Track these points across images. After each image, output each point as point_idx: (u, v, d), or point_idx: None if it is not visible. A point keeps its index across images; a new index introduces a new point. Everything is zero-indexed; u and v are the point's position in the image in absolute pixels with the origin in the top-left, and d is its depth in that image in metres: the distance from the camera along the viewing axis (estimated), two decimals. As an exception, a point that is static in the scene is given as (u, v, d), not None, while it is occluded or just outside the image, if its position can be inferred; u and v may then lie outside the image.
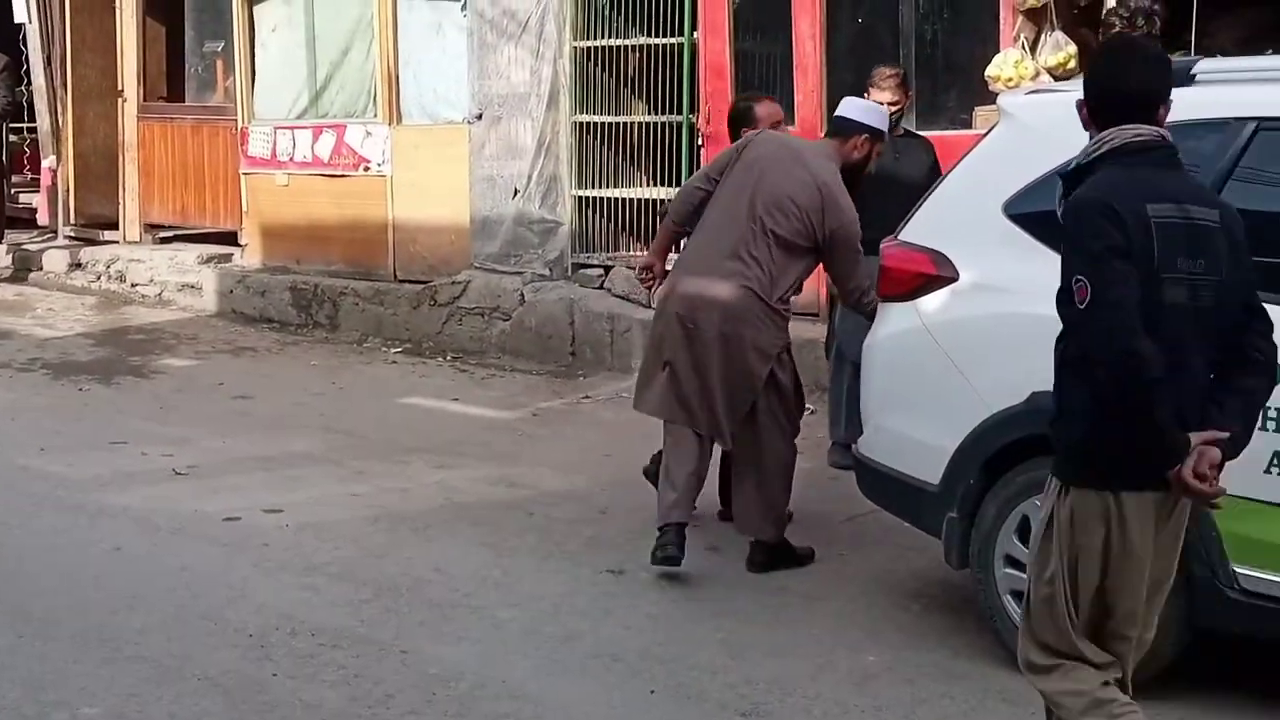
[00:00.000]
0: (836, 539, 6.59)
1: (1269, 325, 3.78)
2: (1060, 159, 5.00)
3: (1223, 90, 4.87)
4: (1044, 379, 4.83)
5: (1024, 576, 4.93)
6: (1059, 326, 3.81)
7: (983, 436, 5.10)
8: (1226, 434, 3.62)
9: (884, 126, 6.35)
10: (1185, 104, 4.81)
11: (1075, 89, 5.11)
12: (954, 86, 9.24)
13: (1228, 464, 3.63)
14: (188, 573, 6.12)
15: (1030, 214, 5.09)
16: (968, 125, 9.13)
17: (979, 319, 5.16)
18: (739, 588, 5.99)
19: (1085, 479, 3.71)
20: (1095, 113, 3.83)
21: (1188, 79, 4.90)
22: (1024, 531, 5.00)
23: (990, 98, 8.18)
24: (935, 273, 5.28)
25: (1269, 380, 3.79)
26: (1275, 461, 4.46)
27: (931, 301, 5.29)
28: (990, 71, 8.47)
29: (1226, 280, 3.67)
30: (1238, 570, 4.57)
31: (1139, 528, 3.66)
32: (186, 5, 14.21)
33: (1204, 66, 4.92)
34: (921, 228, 5.43)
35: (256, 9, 13.19)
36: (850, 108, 6.40)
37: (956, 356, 5.18)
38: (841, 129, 6.31)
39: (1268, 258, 4.62)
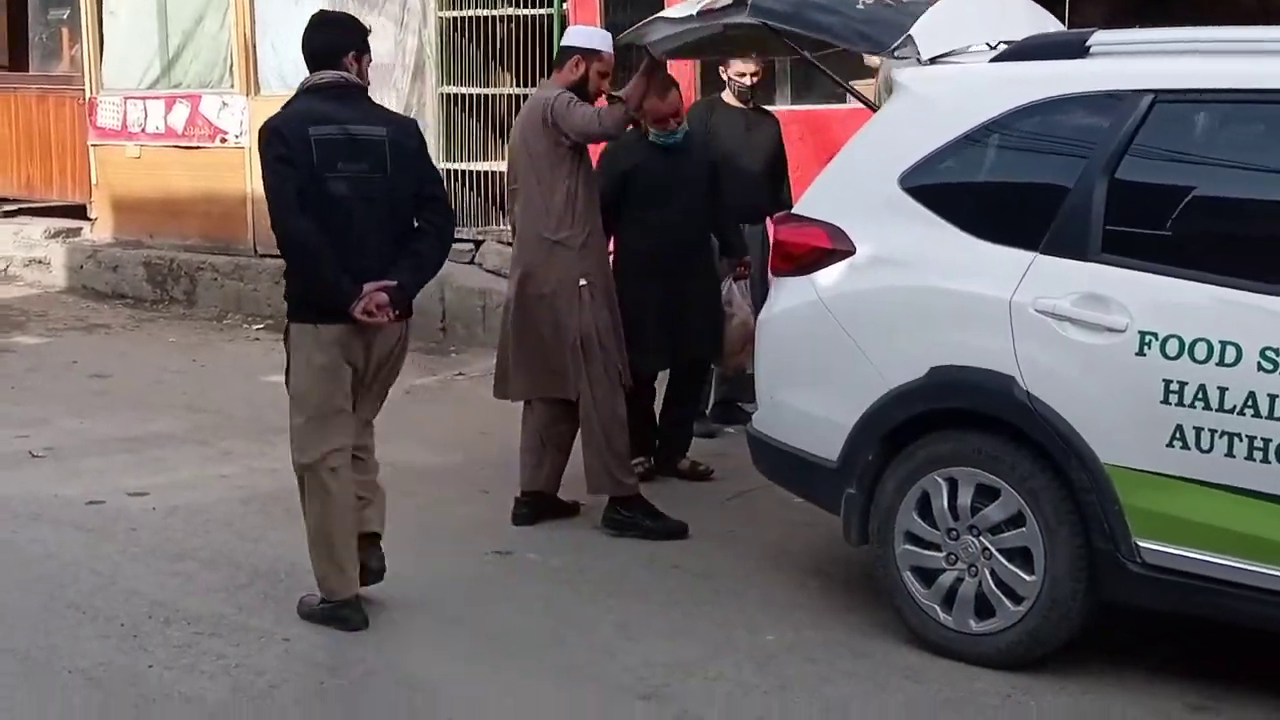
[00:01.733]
0: (727, 516, 6.50)
1: (443, 208, 5.27)
2: (956, 130, 5.00)
3: (1118, 62, 4.82)
4: (943, 353, 4.88)
5: (925, 553, 4.94)
6: (958, 301, 4.68)
7: (881, 411, 5.02)
8: (395, 283, 5.01)
9: (596, 46, 6.25)
10: (1079, 76, 4.84)
11: (970, 60, 5.13)
12: (828, 60, 9.15)
13: (1133, 438, 4.48)
14: (52, 560, 5.85)
15: (927, 186, 5.03)
16: (842, 100, 9.09)
17: (876, 293, 5.08)
18: (630, 567, 5.87)
19: (298, 316, 5.16)
20: (306, 62, 5.22)
21: (1082, 50, 4.87)
22: (924, 507, 4.95)
23: (867, 73, 8.13)
24: (831, 246, 5.17)
25: (437, 243, 5.21)
26: (1178, 435, 4.43)
27: (828, 276, 5.18)
28: (867, 51, 8.41)
29: (392, 176, 5.06)
30: (1140, 544, 4.54)
31: (336, 348, 5.09)
32: (30, -31, 13.71)
33: (1100, 38, 4.86)
34: (816, 201, 5.33)
35: (105, -27, 12.76)
36: (566, 35, 6.53)
37: (854, 331, 5.09)
38: (559, 58, 6.36)
39: (1168, 230, 4.64)
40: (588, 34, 6.49)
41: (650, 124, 6.62)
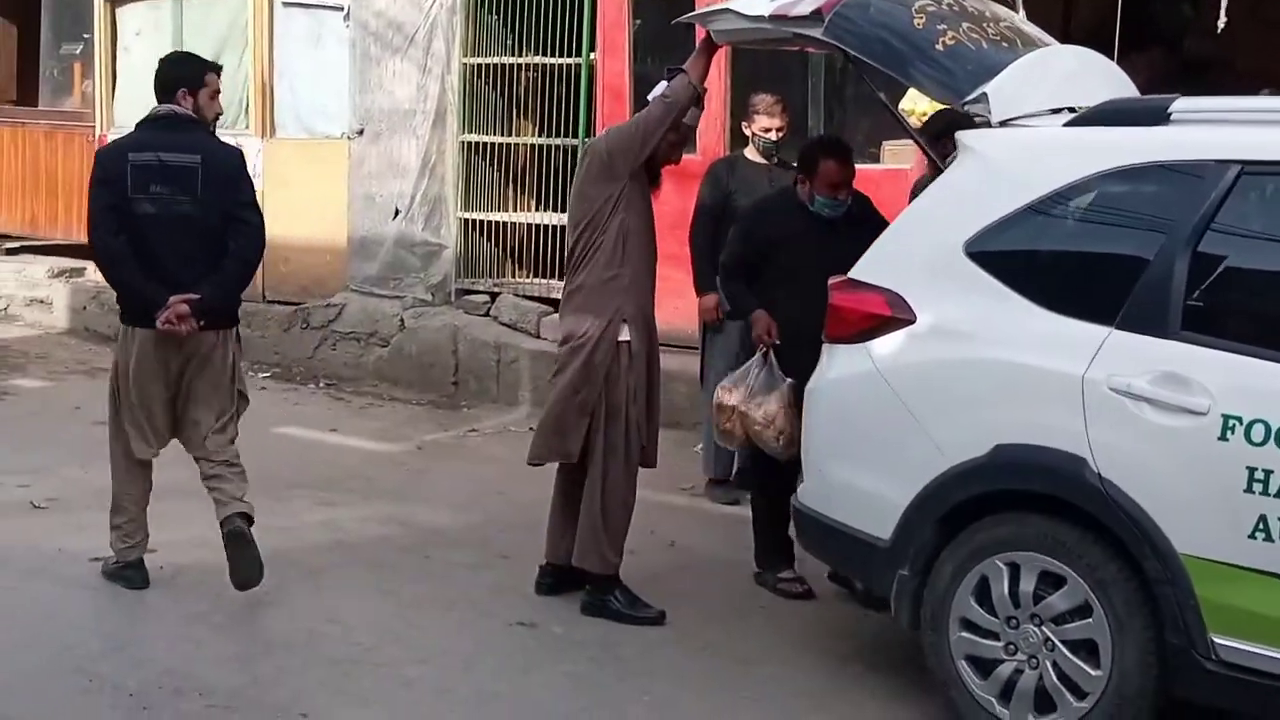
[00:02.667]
0: (756, 592, 6.21)
1: (249, 228, 5.78)
2: (1027, 196, 4.78)
3: (1202, 130, 4.59)
4: (1009, 430, 4.63)
5: (983, 641, 4.68)
6: (1026, 375, 4.57)
7: (940, 490, 4.75)
8: (197, 296, 5.62)
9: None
10: (1160, 144, 4.61)
11: (1043, 124, 4.90)
12: (863, 119, 8.98)
13: (1213, 528, 4.25)
14: (56, 621, 5.57)
15: (994, 254, 4.79)
16: (876, 159, 8.90)
17: (938, 364, 4.83)
18: (661, 646, 5.58)
19: (122, 319, 5.86)
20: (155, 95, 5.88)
21: (1164, 117, 4.65)
22: (983, 593, 4.68)
23: (900, 132, 7.91)
24: (890, 314, 4.93)
25: (241, 264, 5.80)
26: (1261, 526, 4.17)
27: (886, 345, 4.93)
28: (904, 105, 8.14)
29: (202, 199, 5.66)
30: (1217, 640, 4.27)
31: (150, 351, 5.76)
32: (44, 4, 13.53)
33: (1182, 105, 4.64)
34: (875, 266, 5.08)
35: (120, 11, 12.58)
36: (653, 92, 5.88)
37: (912, 404, 4.84)
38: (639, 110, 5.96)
39: (1254, 308, 4.42)
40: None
41: (820, 190, 5.98)
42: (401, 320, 10.47)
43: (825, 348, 5.22)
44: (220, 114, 6.11)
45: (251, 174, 11.22)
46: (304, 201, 11.17)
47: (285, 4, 11.42)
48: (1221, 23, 7.40)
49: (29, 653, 5.24)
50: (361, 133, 10.77)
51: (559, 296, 9.65)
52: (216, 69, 6.07)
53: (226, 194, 5.73)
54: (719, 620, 5.85)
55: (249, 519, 5.79)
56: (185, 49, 11.99)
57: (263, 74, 11.46)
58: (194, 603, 5.81)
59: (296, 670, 5.18)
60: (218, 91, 5.96)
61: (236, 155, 5.88)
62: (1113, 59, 7.37)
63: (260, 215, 5.88)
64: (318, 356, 10.78)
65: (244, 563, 5.72)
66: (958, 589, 4.73)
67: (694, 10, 7.86)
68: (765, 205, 6.44)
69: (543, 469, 6.06)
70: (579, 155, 9.74)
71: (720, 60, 9.08)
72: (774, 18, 5.45)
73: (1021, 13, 7.13)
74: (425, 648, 5.44)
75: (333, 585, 6.08)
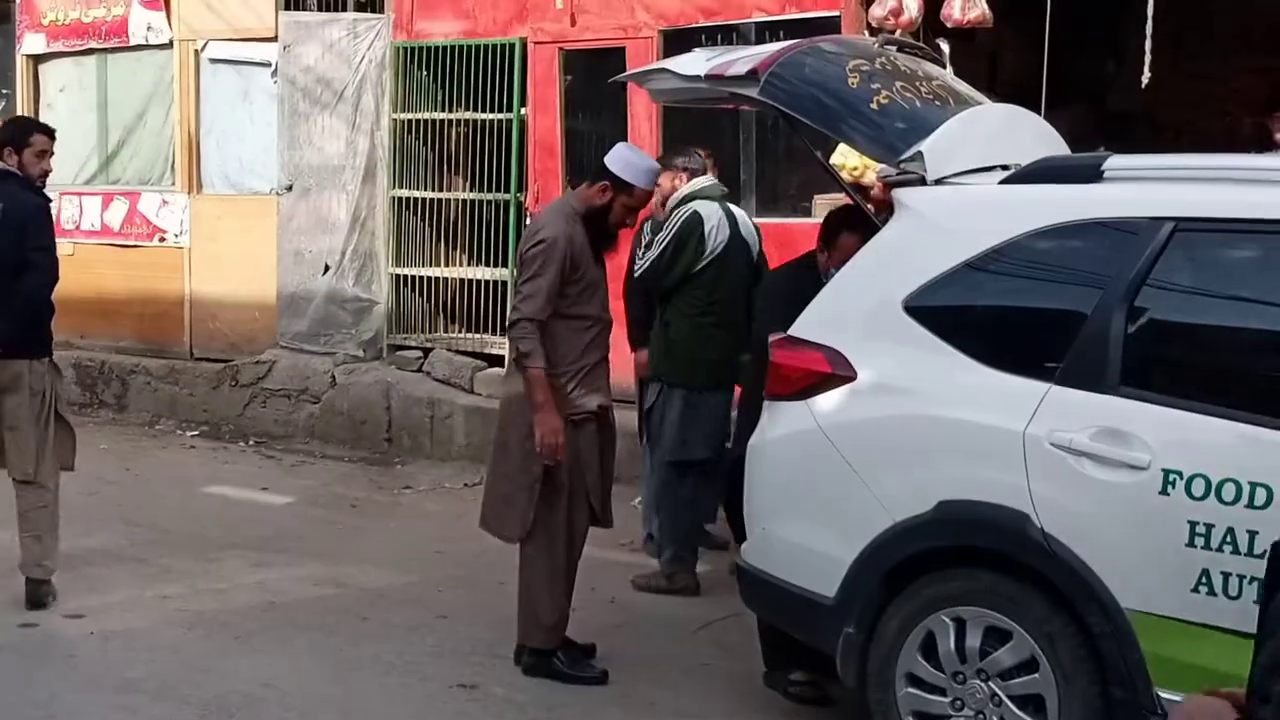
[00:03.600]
0: (697, 647, 6.19)
1: (37, 270, 6.30)
2: (965, 254, 4.80)
3: (1135, 188, 4.64)
4: (952, 486, 4.64)
5: (929, 697, 4.67)
6: (968, 432, 4.54)
7: (884, 546, 4.75)
8: None
9: (631, 180, 5.63)
10: (1094, 201, 4.66)
11: (978, 182, 4.94)
12: (794, 173, 9.04)
13: (1156, 583, 4.24)
14: (-17, 690, 5.44)
15: (933, 310, 4.80)
16: (808, 213, 8.94)
17: (880, 421, 4.84)
18: (603, 705, 5.53)
19: None
20: None
21: (1096, 175, 4.70)
22: (929, 648, 4.68)
23: (832, 186, 7.98)
24: (831, 371, 4.93)
25: (26, 300, 6.34)
26: (1204, 580, 4.20)
27: (827, 402, 4.93)
28: (835, 160, 8.25)
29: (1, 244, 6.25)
30: (1162, 695, 4.29)
31: None
32: (-37, 60, 13.35)
33: (1114, 163, 4.69)
34: (815, 323, 5.08)
35: (43, 67, 12.48)
36: (610, 153, 5.74)
37: (855, 461, 4.84)
38: (594, 174, 5.76)
39: (1192, 363, 4.47)
40: (628, 163, 5.68)
41: (835, 264, 5.62)
42: (333, 377, 10.39)
43: (766, 405, 5.21)
44: (48, 171, 6.62)
45: (178, 231, 11.41)
46: (232, 258, 11.08)
47: (212, 60, 11.36)
48: (1145, 78, 7.53)
49: (-43, 725, 5.12)
50: (290, 188, 10.71)
51: (493, 351, 9.72)
52: (48, 131, 6.67)
53: (22, 238, 6.30)
54: (661, 677, 5.81)
55: (44, 585, 6.44)
56: (109, 105, 12.00)
57: (189, 130, 11.37)
58: (126, 669, 5.69)
59: (233, 738, 5.09)
60: (44, 151, 6.52)
61: (35, 205, 6.44)
62: (1039, 114, 7.50)
63: (51, 259, 6.42)
64: (247, 414, 10.67)
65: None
66: (904, 645, 4.72)
67: (625, 68, 7.90)
68: (777, 281, 6.28)
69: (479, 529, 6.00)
70: (511, 211, 9.78)
71: (653, 115, 9.16)
72: (710, 77, 5.46)
73: (949, 69, 7.21)
74: (363, 712, 5.36)
75: (268, 648, 5.98)
